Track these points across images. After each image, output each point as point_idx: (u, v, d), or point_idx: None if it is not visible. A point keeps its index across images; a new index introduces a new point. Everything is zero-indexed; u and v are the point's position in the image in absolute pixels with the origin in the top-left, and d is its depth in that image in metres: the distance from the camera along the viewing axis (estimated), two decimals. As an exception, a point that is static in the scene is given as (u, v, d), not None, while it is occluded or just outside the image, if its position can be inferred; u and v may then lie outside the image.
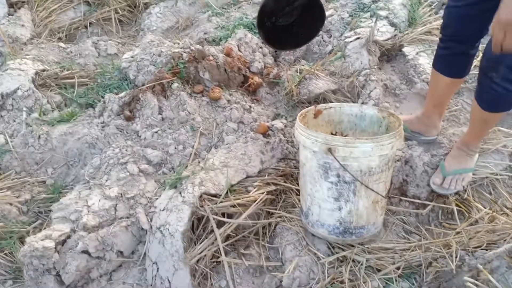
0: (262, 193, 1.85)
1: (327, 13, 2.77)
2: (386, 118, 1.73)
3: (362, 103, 2.23)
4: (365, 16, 2.63)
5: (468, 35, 1.74)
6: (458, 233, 1.71)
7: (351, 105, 1.83)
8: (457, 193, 1.86)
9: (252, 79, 2.47)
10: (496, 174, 1.90)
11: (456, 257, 1.54)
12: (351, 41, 2.41)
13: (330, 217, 1.62)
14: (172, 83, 2.25)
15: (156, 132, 2.10)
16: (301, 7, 2.03)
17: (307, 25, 2.02)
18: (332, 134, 1.83)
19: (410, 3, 2.77)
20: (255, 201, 1.80)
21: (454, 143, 1.99)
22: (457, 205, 1.83)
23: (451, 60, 1.83)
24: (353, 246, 1.71)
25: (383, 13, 2.62)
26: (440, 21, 2.64)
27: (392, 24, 2.56)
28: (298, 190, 1.91)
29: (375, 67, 2.32)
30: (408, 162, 1.93)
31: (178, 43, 2.47)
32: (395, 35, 2.50)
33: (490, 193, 1.89)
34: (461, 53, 1.80)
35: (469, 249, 1.57)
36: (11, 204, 1.82)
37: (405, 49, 2.37)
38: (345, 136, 1.82)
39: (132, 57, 2.37)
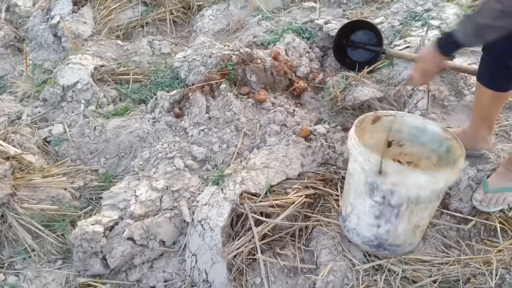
0: (301, 196, 1.88)
1: (377, 20, 2.77)
2: (449, 140, 1.61)
3: (408, 113, 2.21)
4: (416, 25, 2.59)
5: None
6: (500, 251, 1.66)
7: (415, 116, 1.76)
8: (501, 210, 1.80)
9: (297, 83, 2.51)
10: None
11: (496, 275, 1.50)
12: (400, 50, 2.39)
13: (367, 230, 1.61)
14: (220, 84, 2.33)
15: (203, 130, 2.18)
16: (373, 53, 2.49)
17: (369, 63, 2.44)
18: (388, 141, 1.77)
19: (464, 13, 2.69)
20: (293, 203, 1.83)
21: (502, 159, 1.93)
22: (500, 222, 1.78)
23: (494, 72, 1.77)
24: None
25: (435, 22, 2.57)
26: (496, 33, 2.58)
27: (444, 34, 2.51)
28: (337, 196, 1.93)
29: (423, 77, 2.28)
30: (452, 175, 1.89)
31: (228, 46, 2.55)
32: (447, 46, 2.44)
33: (537, 213, 1.82)
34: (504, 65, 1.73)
35: (510, 268, 1.53)
36: (65, 189, 1.96)
37: (456, 60, 2.31)
38: (401, 145, 1.78)
39: (184, 57, 2.47)
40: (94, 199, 1.98)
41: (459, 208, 1.87)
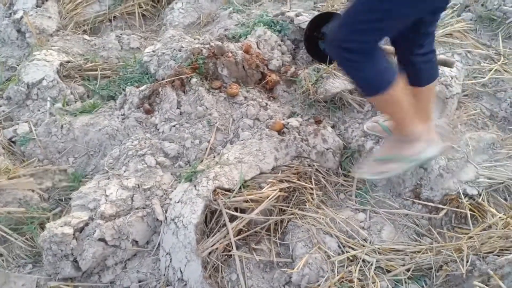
0: (275, 190, 1.87)
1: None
2: None
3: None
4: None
5: None
6: (470, 237, 1.71)
7: None
8: (471, 197, 1.85)
9: (269, 76, 2.49)
10: (512, 180, 1.88)
11: (467, 261, 1.54)
12: (370, 42, 2.40)
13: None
14: (191, 78, 2.29)
15: (174, 126, 2.15)
16: None
17: None
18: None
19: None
20: (267, 197, 1.83)
21: (471, 148, 1.99)
22: (470, 209, 1.82)
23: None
24: (363, 246, 1.72)
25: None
26: (462, 24, 2.64)
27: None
28: (311, 188, 1.94)
29: (393, 68, 2.31)
30: (424, 165, 1.93)
31: (199, 39, 2.51)
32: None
33: (506, 199, 1.87)
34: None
35: (481, 254, 1.57)
36: (33, 190, 1.89)
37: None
38: None
39: (153, 51, 2.42)
40: (63, 200, 1.92)
41: (430, 197, 1.91)
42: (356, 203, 1.97)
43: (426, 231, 1.86)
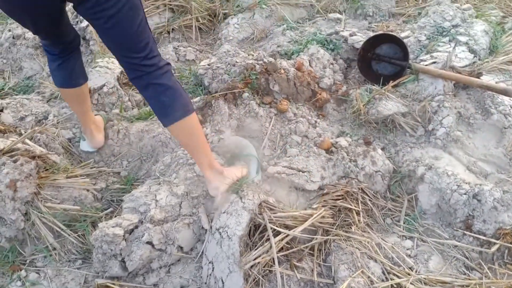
0: (321, 209, 1.87)
1: (403, 34, 2.75)
2: None
3: (432, 129, 2.18)
4: (444, 40, 2.56)
5: None
6: (525, 276, 1.62)
7: None
8: (528, 234, 1.76)
9: (320, 94, 2.50)
10: None
11: (521, 302, 1.46)
12: (426, 65, 2.36)
13: None
14: (243, 93, 2.34)
15: (223, 138, 2.19)
16: (399, 67, 2.49)
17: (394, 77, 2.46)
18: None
19: (493, 30, 2.66)
20: (312, 215, 1.82)
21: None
22: (526, 247, 1.73)
23: None
24: (409, 274, 1.67)
25: (463, 38, 2.54)
26: (526, 52, 2.54)
27: (472, 51, 2.48)
28: (358, 211, 1.91)
29: (449, 93, 2.25)
30: (477, 196, 1.86)
31: (252, 55, 2.56)
32: (474, 62, 2.41)
33: None
34: None
35: (536, 296, 1.48)
36: (88, 190, 1.99)
37: (484, 78, 2.28)
38: None
39: (208, 64, 2.49)
40: (115, 201, 2.00)
41: (482, 229, 1.83)
42: (403, 229, 1.92)
43: (476, 265, 1.78)
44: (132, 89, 2.56)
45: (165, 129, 2.20)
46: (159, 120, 1.68)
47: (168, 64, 1.63)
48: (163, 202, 1.80)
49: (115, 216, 1.86)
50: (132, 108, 2.43)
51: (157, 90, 1.60)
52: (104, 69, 2.54)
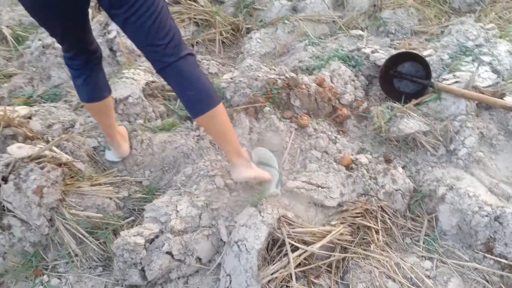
0: (339, 225, 1.87)
1: (425, 53, 2.75)
2: None
3: (454, 149, 2.16)
4: (467, 60, 2.55)
5: None
6: (548, 303, 1.59)
7: None
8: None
9: (341, 110, 2.51)
10: None
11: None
12: (449, 84, 2.36)
13: None
14: (264, 107, 2.37)
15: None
16: (421, 86, 2.49)
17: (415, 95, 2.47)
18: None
19: (520, 50, 2.64)
20: (331, 232, 1.82)
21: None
22: (550, 273, 1.70)
23: None
24: (428, 296, 1.66)
25: (486, 58, 2.53)
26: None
27: (495, 71, 2.46)
28: (377, 229, 1.90)
29: (472, 113, 2.24)
30: (499, 218, 1.83)
31: (274, 70, 2.59)
32: (497, 83, 2.39)
33: None
34: None
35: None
36: (110, 198, 2.03)
37: (507, 99, 2.26)
38: None
39: (231, 78, 2.53)
40: (136, 210, 2.04)
41: (504, 253, 1.80)
42: (423, 250, 1.90)
43: (497, 289, 1.75)
44: (157, 100, 2.61)
45: (187, 141, 2.24)
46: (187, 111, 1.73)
47: (192, 54, 1.65)
48: (183, 213, 1.83)
49: (136, 225, 1.89)
50: (156, 119, 2.48)
51: (182, 83, 1.63)
52: (130, 80, 2.60)
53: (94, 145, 2.30)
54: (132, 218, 2.00)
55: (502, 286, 1.75)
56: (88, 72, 1.84)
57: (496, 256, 1.81)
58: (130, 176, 2.18)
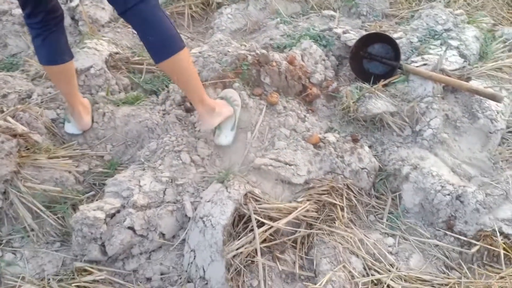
0: (305, 202, 1.87)
1: (395, 35, 2.76)
2: None
3: (420, 130, 2.20)
4: (435, 43, 2.58)
5: None
6: (502, 278, 1.66)
7: None
8: (506, 236, 1.79)
9: (310, 89, 2.49)
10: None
11: (498, 302, 1.48)
12: (417, 66, 2.38)
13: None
14: (233, 83, 2.31)
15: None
16: (390, 67, 2.50)
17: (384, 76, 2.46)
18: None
19: (484, 37, 2.69)
20: (296, 209, 1.82)
21: (508, 185, 1.93)
22: (504, 249, 1.77)
23: None
24: (389, 271, 1.69)
25: (454, 43, 2.56)
26: (513, 59, 2.58)
27: (462, 56, 2.50)
28: (342, 206, 1.91)
29: (438, 95, 2.27)
30: (460, 197, 1.88)
31: (245, 45, 2.53)
32: (464, 67, 2.43)
33: (543, 243, 1.80)
34: None
35: (513, 297, 1.51)
36: (70, 172, 1.94)
37: (472, 82, 2.31)
38: None
39: (200, 52, 2.46)
40: (97, 184, 1.96)
41: (463, 230, 1.86)
42: (386, 227, 1.93)
43: (455, 264, 1.81)
44: (120, 73, 2.51)
45: (152, 115, 2.17)
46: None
47: None
48: (147, 188, 1.77)
49: (97, 200, 1.82)
50: (119, 92, 2.38)
51: (144, 27, 1.60)
52: (92, 50, 2.48)
53: (52, 117, 2.18)
54: (92, 192, 1.92)
55: (461, 262, 1.81)
56: (47, 33, 1.76)
57: (456, 233, 1.87)
58: (91, 150, 2.08)
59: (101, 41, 2.62)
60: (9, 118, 2.00)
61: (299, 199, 1.93)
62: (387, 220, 1.96)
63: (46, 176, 1.87)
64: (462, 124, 2.22)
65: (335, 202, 1.93)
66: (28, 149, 1.92)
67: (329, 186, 1.98)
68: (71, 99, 2.02)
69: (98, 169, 2.00)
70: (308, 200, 1.92)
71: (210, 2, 3.28)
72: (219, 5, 3.28)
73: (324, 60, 2.67)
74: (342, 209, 1.93)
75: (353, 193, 2.02)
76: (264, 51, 2.50)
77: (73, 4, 2.98)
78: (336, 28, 2.81)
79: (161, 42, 1.62)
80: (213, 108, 1.91)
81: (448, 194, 1.89)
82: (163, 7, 3.15)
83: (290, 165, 2.04)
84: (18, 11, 2.92)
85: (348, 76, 2.64)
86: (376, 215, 1.99)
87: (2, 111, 2.07)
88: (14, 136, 1.89)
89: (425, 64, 2.39)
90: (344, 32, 2.77)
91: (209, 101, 1.89)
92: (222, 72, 2.36)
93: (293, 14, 3.25)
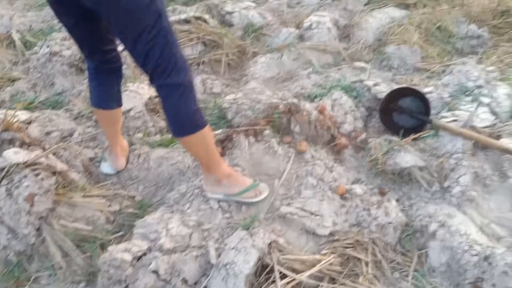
0: (330, 255, 1.85)
1: (426, 89, 2.78)
2: None
3: (448, 186, 2.17)
4: (466, 99, 2.58)
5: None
6: None
7: None
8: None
9: (339, 139, 2.53)
10: None
11: None
12: (447, 122, 2.38)
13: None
14: (264, 130, 2.38)
15: (241, 172, 2.22)
16: (420, 121, 2.52)
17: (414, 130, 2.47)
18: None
19: (516, 94, 2.67)
20: (320, 261, 1.81)
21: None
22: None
23: None
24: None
25: (485, 100, 2.56)
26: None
27: (493, 113, 2.49)
28: (366, 262, 1.89)
29: (468, 152, 2.25)
30: (488, 259, 1.82)
31: (277, 94, 2.62)
32: (495, 124, 2.42)
33: None
34: None
35: None
36: (101, 211, 2.02)
37: (503, 140, 2.28)
38: None
39: (234, 99, 2.56)
40: (126, 225, 2.02)
41: (493, 295, 1.78)
42: (411, 285, 1.88)
43: (486, 332, 1.72)
44: (158, 115, 2.63)
45: (184, 158, 2.25)
46: None
47: (179, 84, 1.68)
48: (174, 231, 1.81)
49: (125, 241, 1.87)
50: (155, 134, 2.49)
51: (163, 107, 1.74)
52: (133, 93, 2.62)
53: (90, 156, 2.30)
54: (121, 233, 1.98)
55: (489, 328, 1.73)
56: (100, 79, 1.91)
57: (485, 297, 1.79)
58: (123, 190, 2.17)
59: (142, 85, 2.77)
60: (51, 156, 2.12)
61: (323, 251, 1.92)
62: (412, 278, 1.91)
63: (79, 215, 1.95)
64: (492, 182, 2.18)
65: (360, 256, 1.91)
66: (65, 186, 2.02)
67: (354, 240, 1.97)
68: (112, 140, 2.14)
69: (129, 210, 2.07)
70: (332, 253, 1.91)
71: (247, 51, 3.43)
72: (255, 54, 3.42)
73: (353, 111, 2.72)
74: (366, 265, 1.90)
75: (378, 247, 1.99)
76: (295, 100, 2.58)
77: (119, 48, 3.19)
78: (367, 80, 2.87)
79: (173, 126, 1.77)
80: (220, 179, 1.96)
81: (476, 255, 1.84)
82: (201, 55, 3.31)
83: (315, 215, 2.04)
84: (68, 52, 3.14)
85: (378, 128, 2.66)
86: (401, 272, 1.95)
87: (45, 149, 2.20)
88: (54, 173, 2.00)
89: (455, 120, 2.39)
90: (374, 85, 2.82)
91: (220, 172, 1.95)
92: (254, 120, 2.44)
93: (325, 64, 3.34)
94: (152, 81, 1.69)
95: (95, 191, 2.07)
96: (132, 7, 1.46)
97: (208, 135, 1.83)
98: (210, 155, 1.90)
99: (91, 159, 2.29)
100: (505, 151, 2.19)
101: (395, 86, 2.70)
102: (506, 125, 2.44)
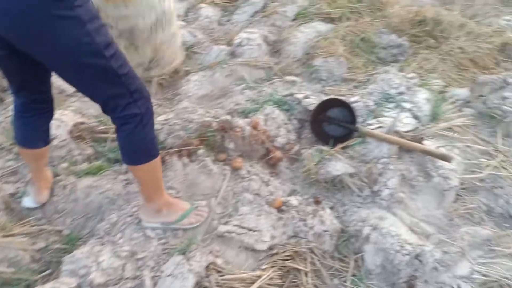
0: (269, 270, 1.85)
1: (352, 99, 2.90)
2: None
3: (378, 190, 2.26)
4: (389, 106, 2.72)
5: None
6: None
7: None
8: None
9: (274, 152, 2.56)
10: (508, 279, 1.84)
11: None
12: (373, 129, 2.49)
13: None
14: (198, 150, 2.36)
15: (175, 195, 2.17)
16: (347, 130, 2.60)
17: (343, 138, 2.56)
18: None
19: (435, 99, 2.85)
20: (260, 277, 1.80)
21: (464, 242, 1.97)
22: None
23: None
24: None
25: (407, 105, 2.71)
26: (463, 119, 2.73)
27: (415, 117, 2.64)
28: (306, 272, 1.91)
29: (394, 156, 2.37)
30: (419, 257, 1.91)
31: (210, 112, 2.61)
32: (417, 128, 2.56)
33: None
34: None
35: None
36: (25, 250, 1.89)
37: (425, 142, 2.42)
38: None
39: (166, 120, 2.52)
40: (54, 262, 1.90)
41: (424, 291, 1.86)
42: (349, 290, 1.92)
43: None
44: (85, 142, 2.52)
45: (114, 185, 2.17)
46: None
47: (128, 122, 1.62)
48: (105, 264, 1.73)
49: (53, 279, 1.76)
50: (82, 163, 2.38)
51: (121, 140, 1.68)
52: (57, 121, 2.50)
53: (11, 192, 2.15)
54: (49, 271, 1.86)
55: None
56: (25, 118, 1.79)
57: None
58: (49, 225, 2.04)
59: (67, 112, 2.65)
60: (-34, 195, 1.96)
61: (263, 266, 1.92)
62: (351, 283, 1.95)
63: (0, 256, 1.81)
64: (418, 183, 2.30)
65: (299, 267, 1.93)
66: (-18, 227, 1.87)
67: (293, 251, 1.99)
68: (36, 174, 2.02)
69: (56, 245, 1.95)
70: (272, 266, 1.91)
71: (179, 70, 3.40)
72: (187, 73, 3.40)
73: (286, 124, 2.77)
74: (306, 275, 1.92)
75: (317, 256, 2.02)
76: (228, 117, 2.58)
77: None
78: (297, 93, 2.94)
79: (124, 157, 1.73)
80: (160, 209, 1.92)
81: (407, 254, 1.92)
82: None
83: (253, 231, 2.04)
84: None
85: (310, 139, 2.73)
86: (340, 278, 1.99)
87: (-41, 188, 2.03)
88: (-31, 214, 1.85)
89: (380, 127, 2.51)
90: (305, 97, 2.89)
91: (162, 201, 1.92)
92: (187, 139, 2.41)
93: (258, 79, 3.38)
94: (105, 113, 1.61)
95: (17, 229, 1.93)
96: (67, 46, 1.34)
97: (159, 163, 1.79)
98: (157, 184, 1.86)
99: (12, 195, 2.14)
100: (426, 153, 2.32)
101: (324, 98, 2.78)
102: (427, 127, 2.60)
